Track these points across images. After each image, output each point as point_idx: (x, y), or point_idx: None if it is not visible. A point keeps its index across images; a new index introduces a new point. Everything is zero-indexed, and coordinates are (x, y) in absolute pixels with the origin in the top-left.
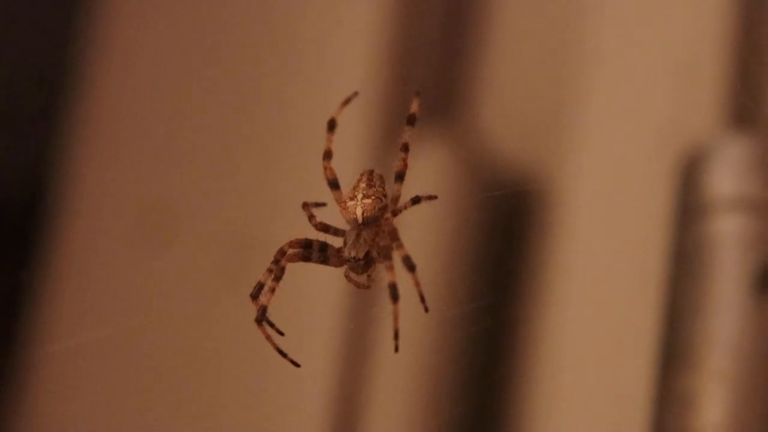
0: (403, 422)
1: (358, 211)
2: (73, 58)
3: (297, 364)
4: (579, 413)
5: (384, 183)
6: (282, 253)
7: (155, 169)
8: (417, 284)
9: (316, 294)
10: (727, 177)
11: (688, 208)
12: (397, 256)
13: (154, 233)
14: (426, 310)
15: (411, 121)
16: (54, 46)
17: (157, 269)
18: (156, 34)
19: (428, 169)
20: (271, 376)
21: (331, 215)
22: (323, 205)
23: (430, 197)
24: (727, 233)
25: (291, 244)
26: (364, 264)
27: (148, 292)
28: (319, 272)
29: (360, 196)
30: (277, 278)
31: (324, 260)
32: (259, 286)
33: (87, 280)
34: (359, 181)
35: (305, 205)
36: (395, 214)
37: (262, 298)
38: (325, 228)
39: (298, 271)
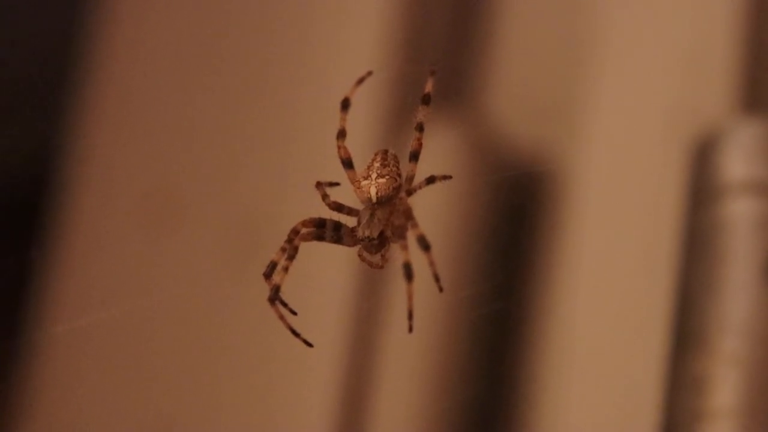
0: (415, 402)
1: (373, 191)
2: (78, 44)
3: (310, 344)
4: (591, 395)
5: (398, 162)
6: (295, 231)
7: (163, 149)
8: (432, 264)
9: (330, 274)
10: (739, 160)
11: (701, 192)
12: (411, 236)
13: (161, 214)
14: (440, 289)
15: (426, 100)
16: (58, 33)
17: (165, 250)
18: (161, 18)
19: (442, 149)
20: (280, 357)
21: (345, 195)
22: (337, 184)
23: (445, 177)
24: (739, 217)
25: (304, 223)
26: (378, 243)
27: (154, 274)
28: (333, 252)
29: (374, 175)
30: (291, 257)
31: (338, 240)
32: (272, 265)
33: (94, 262)
34: (373, 160)
35: (319, 185)
36: (410, 193)
37: (275, 277)
38: (338, 207)
39: (311, 251)
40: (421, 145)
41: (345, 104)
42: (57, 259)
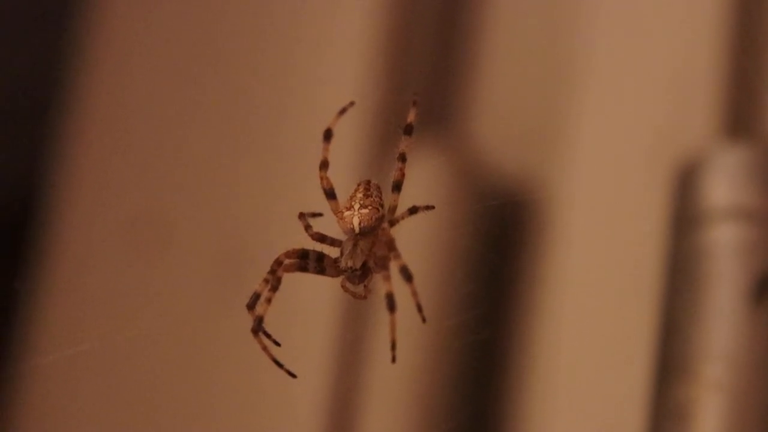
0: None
1: (355, 221)
2: (66, 63)
3: (293, 375)
4: (575, 423)
5: (381, 193)
6: (278, 263)
7: (149, 177)
8: (414, 294)
9: (313, 304)
10: (722, 186)
11: (684, 218)
12: (394, 266)
13: (147, 243)
14: (423, 320)
15: (408, 130)
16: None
17: (149, 279)
18: (148, 42)
19: (424, 178)
20: (266, 386)
21: (328, 225)
22: (320, 215)
23: (428, 207)
24: (723, 243)
25: (287, 254)
26: (361, 274)
27: (141, 303)
28: (316, 282)
29: (357, 206)
30: (274, 288)
31: (320, 270)
32: (256, 296)
33: (80, 291)
34: (356, 191)
35: (301, 215)
36: (392, 224)
37: (259, 309)
38: (321, 238)
39: (294, 282)
40: (403, 175)
41: (327, 135)
42: (42, 290)
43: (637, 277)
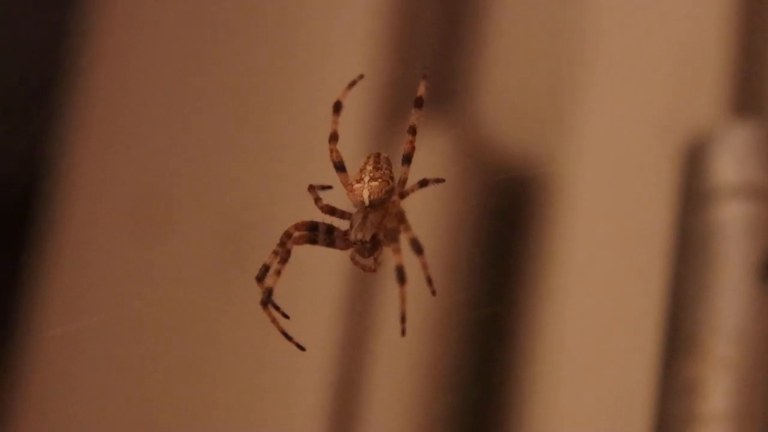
0: (407, 405)
1: (365, 194)
2: (68, 48)
3: (302, 348)
4: (583, 399)
5: (391, 166)
6: (288, 235)
7: (153, 153)
8: (425, 267)
9: (322, 277)
10: (730, 164)
11: (692, 195)
12: (404, 239)
13: (152, 219)
14: (433, 293)
15: (418, 103)
16: (49, 37)
17: (156, 254)
18: (150, 25)
19: (434, 152)
20: (271, 362)
21: (338, 198)
22: (329, 188)
23: (438, 180)
24: (731, 220)
25: (297, 227)
26: (371, 247)
27: (146, 278)
28: (326, 255)
29: (367, 178)
30: (283, 260)
31: (330, 243)
32: (265, 269)
33: (85, 267)
34: (366, 163)
35: (311, 188)
36: (402, 196)
37: (268, 281)
38: (331, 211)
39: (304, 254)
40: (413, 148)
41: (337, 107)
42: (48, 264)
43: (646, 254)
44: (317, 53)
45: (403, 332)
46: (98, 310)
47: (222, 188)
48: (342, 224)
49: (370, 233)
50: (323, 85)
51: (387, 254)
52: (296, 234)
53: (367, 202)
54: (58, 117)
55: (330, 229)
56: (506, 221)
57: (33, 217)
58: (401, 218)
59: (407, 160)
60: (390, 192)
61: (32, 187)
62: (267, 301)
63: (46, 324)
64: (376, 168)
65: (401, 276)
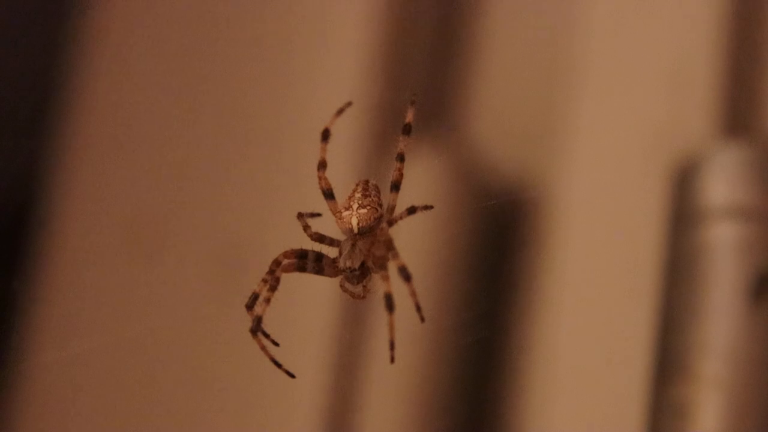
0: (398, 430)
1: (354, 221)
2: (64, 66)
3: (292, 375)
4: (574, 422)
5: (379, 193)
6: (277, 263)
7: (147, 178)
8: (413, 294)
9: (311, 304)
10: (721, 184)
11: (682, 216)
12: (392, 266)
13: (145, 243)
14: (422, 320)
15: (406, 130)
16: (43, 56)
17: (149, 279)
18: (146, 44)
19: (423, 177)
20: (264, 386)
21: (327, 226)
22: (318, 215)
23: (426, 207)
24: (721, 241)
25: (286, 255)
26: (360, 274)
27: (139, 302)
28: (315, 282)
29: (355, 206)
30: (273, 288)
31: (319, 270)
32: (254, 297)
33: (78, 291)
34: (354, 191)
35: (300, 216)
36: (391, 224)
37: (257, 309)
38: (320, 238)
39: (293, 282)
40: (401, 175)
41: (325, 135)
42: (41, 289)
43: (636, 275)
44: (306, 79)
45: (392, 359)
46: (93, 334)
47: (215, 210)
48: (331, 251)
49: (359, 261)
50: (312, 111)
51: (376, 281)
52: (285, 262)
53: (355, 230)
54: (51, 138)
55: (319, 257)
56: (495, 246)
57: (27, 239)
58: (390, 245)
59: (396, 187)
60: (378, 219)
61: (26, 208)
62: (256, 329)
63: (40, 349)
64: (364, 195)
65: (390, 303)
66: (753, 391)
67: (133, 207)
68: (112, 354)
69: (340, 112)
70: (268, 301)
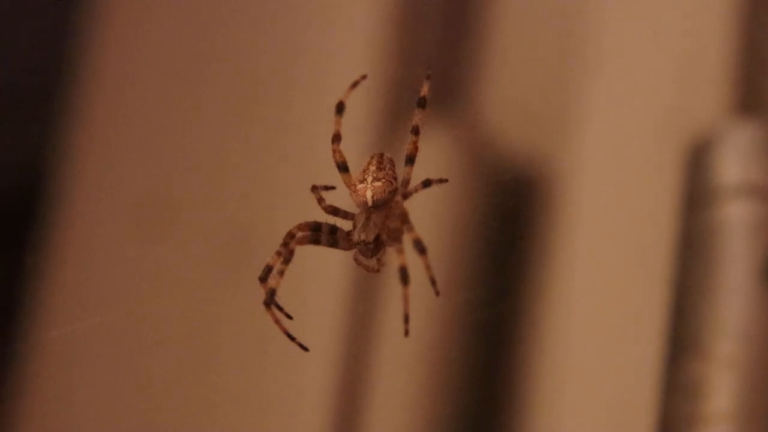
0: (410, 406)
1: (368, 194)
2: (72, 49)
3: (305, 348)
4: (586, 399)
5: (394, 166)
6: (291, 235)
7: (156, 153)
8: (428, 267)
9: (325, 277)
10: (734, 163)
11: (695, 195)
12: (407, 239)
13: (155, 219)
14: (437, 293)
15: (422, 103)
16: (52, 38)
17: (159, 255)
18: (153, 25)
19: (437, 152)
20: (275, 361)
21: (341, 198)
22: (332, 188)
23: (441, 180)
24: (734, 220)
25: (300, 227)
26: (374, 247)
27: (149, 279)
28: (329, 255)
29: (370, 179)
30: (286, 261)
31: (333, 243)
32: (268, 269)
33: (88, 267)
34: (369, 164)
35: (314, 188)
36: (406, 197)
37: (271, 281)
38: (334, 211)
39: (307, 254)
40: (416, 148)
41: (339, 108)
42: (51, 265)
43: (649, 254)
44: (320, 54)
45: (407, 333)
46: (101, 311)
47: (225, 189)
48: (345, 225)
49: (373, 234)
50: (326, 85)
51: (390, 255)
52: (299, 234)
53: (370, 203)
54: (61, 118)
55: (333, 230)
56: (509, 221)
57: (36, 217)
58: (404, 219)
59: (410, 160)
60: (393, 192)
61: (35, 188)
62: (270, 301)
63: (48, 324)
64: (379, 168)
65: (404, 277)
66: (766, 370)
67: (141, 184)
68: (121, 330)
69: (354, 85)
70: (281, 273)
